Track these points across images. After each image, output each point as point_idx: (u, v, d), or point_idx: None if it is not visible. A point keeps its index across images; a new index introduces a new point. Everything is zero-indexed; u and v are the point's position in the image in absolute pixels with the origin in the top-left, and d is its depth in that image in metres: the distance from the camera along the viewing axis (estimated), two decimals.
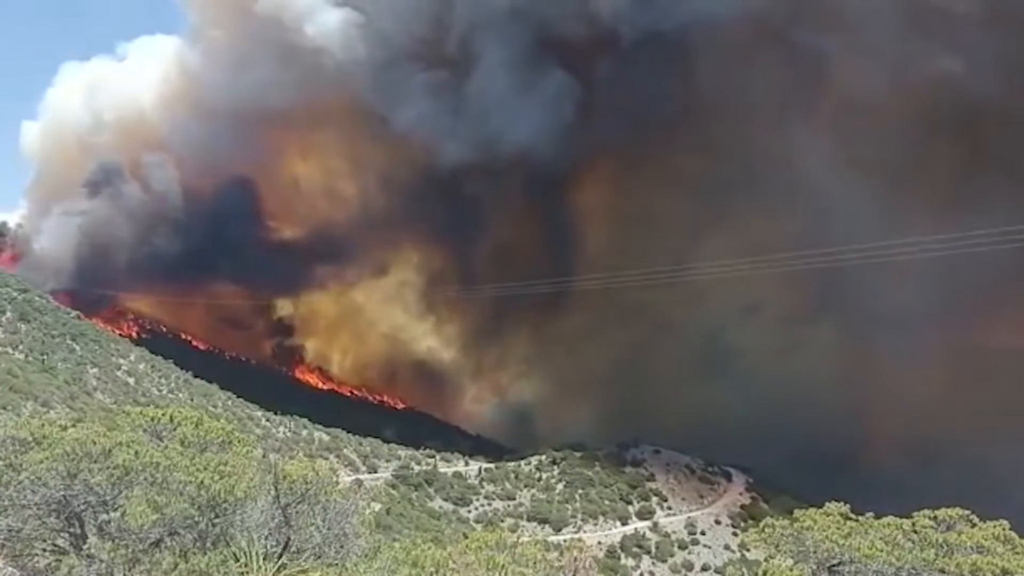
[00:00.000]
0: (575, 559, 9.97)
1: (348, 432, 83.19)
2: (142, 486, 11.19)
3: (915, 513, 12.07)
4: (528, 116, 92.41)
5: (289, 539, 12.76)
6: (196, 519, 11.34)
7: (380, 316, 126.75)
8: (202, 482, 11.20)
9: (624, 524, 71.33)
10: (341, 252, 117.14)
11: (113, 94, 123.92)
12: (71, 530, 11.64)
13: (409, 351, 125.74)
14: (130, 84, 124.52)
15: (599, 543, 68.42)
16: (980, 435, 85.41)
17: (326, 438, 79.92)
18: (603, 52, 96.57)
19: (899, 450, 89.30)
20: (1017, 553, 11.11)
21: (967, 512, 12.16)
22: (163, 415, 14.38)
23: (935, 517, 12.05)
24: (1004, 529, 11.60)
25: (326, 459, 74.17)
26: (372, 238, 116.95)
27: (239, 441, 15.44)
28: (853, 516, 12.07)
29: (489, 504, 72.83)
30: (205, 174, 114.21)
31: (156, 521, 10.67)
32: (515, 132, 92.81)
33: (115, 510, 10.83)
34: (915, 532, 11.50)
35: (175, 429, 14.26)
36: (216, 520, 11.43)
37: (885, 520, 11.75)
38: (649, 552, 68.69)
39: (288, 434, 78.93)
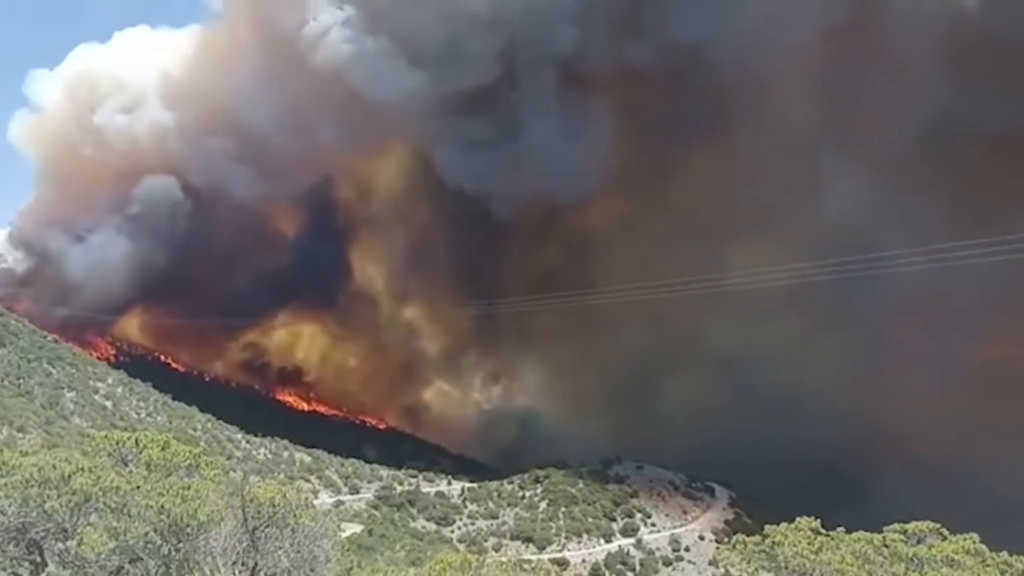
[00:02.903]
0: None
1: (330, 453, 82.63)
2: (102, 512, 10.98)
3: (886, 527, 12.02)
4: (571, 165, 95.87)
5: (256, 564, 12.56)
6: (158, 544, 11.13)
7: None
8: (163, 507, 11.01)
9: (608, 541, 70.96)
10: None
11: (126, 104, 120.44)
12: (31, 558, 11.40)
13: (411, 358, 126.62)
14: (145, 99, 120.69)
15: (583, 560, 68.08)
16: (988, 453, 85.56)
17: (307, 460, 79.29)
18: (633, 84, 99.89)
19: (901, 467, 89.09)
20: (987, 566, 11.05)
21: (937, 525, 12.10)
22: (128, 439, 14.18)
23: (905, 531, 11.98)
24: (974, 542, 11.55)
25: (308, 481, 73.76)
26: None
27: (207, 464, 15.23)
28: (823, 531, 12.00)
29: (472, 523, 72.33)
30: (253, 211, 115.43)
31: (115, 548, 10.46)
32: (560, 184, 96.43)
33: (74, 537, 10.61)
34: (886, 546, 11.43)
35: (141, 453, 14.07)
36: (179, 545, 11.22)
37: (856, 535, 11.68)
38: (633, 569, 68.33)
39: (269, 456, 78.28)
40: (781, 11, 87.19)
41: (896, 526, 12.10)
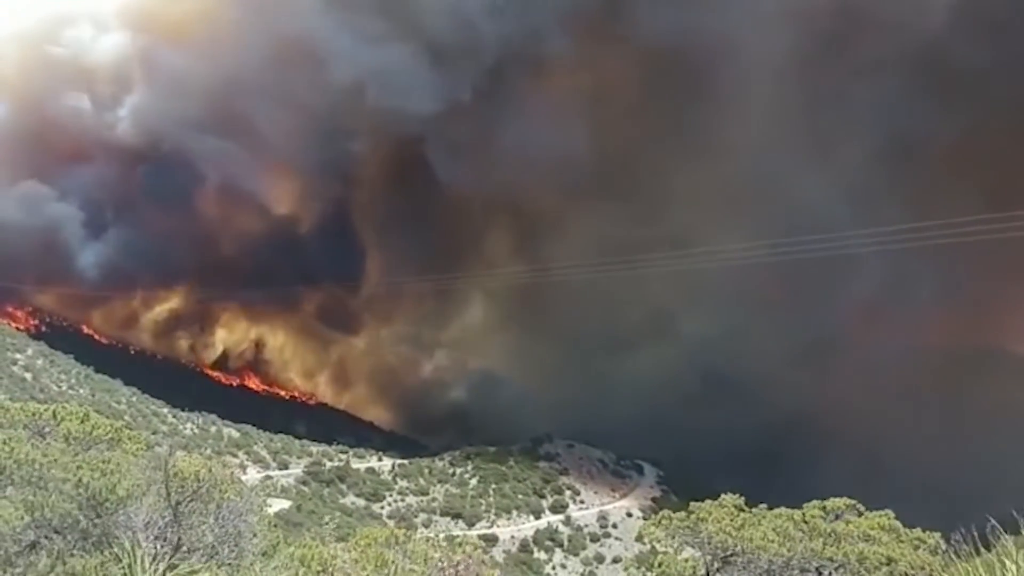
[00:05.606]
0: (466, 555, 9.85)
1: (259, 428, 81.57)
2: (17, 485, 10.65)
3: (805, 504, 12.37)
4: (548, 153, 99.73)
5: (179, 539, 12.32)
6: (76, 519, 10.83)
7: None
8: (81, 480, 10.71)
9: (537, 518, 71.72)
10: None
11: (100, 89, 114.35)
12: None
13: None
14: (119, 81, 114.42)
15: (512, 537, 68.69)
16: (910, 435, 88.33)
17: (236, 435, 78.13)
18: (608, 80, 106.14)
19: (826, 447, 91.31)
20: (901, 541, 11.46)
21: (854, 502, 12.49)
22: (46, 411, 13.77)
23: (824, 507, 12.35)
24: (889, 518, 11.95)
25: (236, 456, 72.71)
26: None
27: (129, 438, 14.88)
28: (746, 508, 12.29)
29: (402, 500, 72.32)
30: None
31: (30, 522, 10.14)
32: (534, 169, 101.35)
33: None
34: (805, 522, 11.77)
35: (59, 425, 13.66)
36: (97, 520, 10.93)
37: (777, 511, 11.99)
38: (561, 545, 69.26)
39: (196, 431, 76.93)
40: (760, 14, 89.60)
41: (815, 503, 12.46)
